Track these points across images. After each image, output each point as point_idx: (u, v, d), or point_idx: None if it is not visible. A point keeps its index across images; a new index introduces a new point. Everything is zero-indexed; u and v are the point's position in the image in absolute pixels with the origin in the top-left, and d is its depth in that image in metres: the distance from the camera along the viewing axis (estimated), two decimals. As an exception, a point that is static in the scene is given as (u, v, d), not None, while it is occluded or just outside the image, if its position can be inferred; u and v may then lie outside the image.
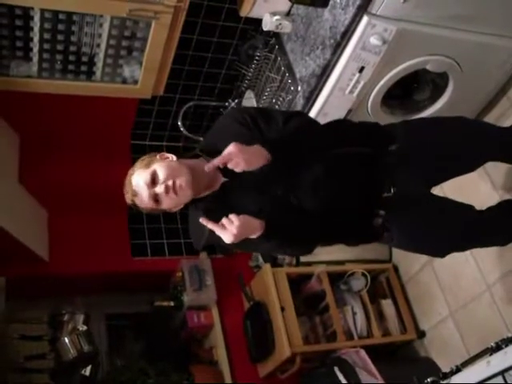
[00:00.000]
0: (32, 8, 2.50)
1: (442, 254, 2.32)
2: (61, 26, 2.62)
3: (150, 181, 1.77)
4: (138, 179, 1.80)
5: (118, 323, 3.57)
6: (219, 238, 1.77)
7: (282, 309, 3.26)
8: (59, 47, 2.71)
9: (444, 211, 2.17)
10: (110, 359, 3.38)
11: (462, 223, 2.18)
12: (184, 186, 1.77)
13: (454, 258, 3.18)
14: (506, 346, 1.36)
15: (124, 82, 2.93)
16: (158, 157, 1.85)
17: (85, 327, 2.98)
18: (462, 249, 2.45)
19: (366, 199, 2.00)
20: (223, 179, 1.89)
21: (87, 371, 2.93)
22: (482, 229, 2.24)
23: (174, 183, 1.76)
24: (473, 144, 2.14)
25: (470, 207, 2.22)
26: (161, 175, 1.77)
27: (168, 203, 1.81)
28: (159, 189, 1.77)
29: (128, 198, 1.84)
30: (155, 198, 1.79)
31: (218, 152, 1.74)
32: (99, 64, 2.83)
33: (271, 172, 1.80)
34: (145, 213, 1.90)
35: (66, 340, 2.90)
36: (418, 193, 2.12)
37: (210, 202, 1.90)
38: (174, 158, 1.86)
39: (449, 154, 2.07)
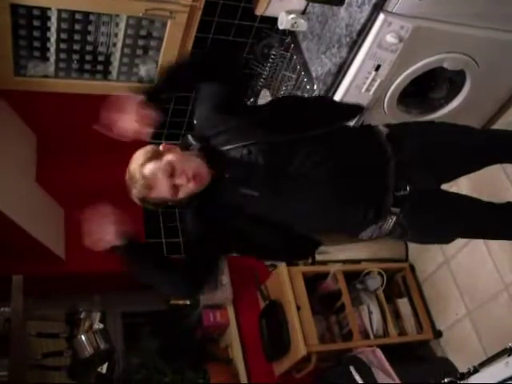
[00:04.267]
0: (49, 8, 2.53)
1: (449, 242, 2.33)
2: (77, 26, 2.64)
3: (169, 172, 1.76)
4: (155, 171, 1.76)
5: (134, 321, 3.59)
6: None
7: (298, 308, 3.26)
8: (76, 47, 2.73)
9: (457, 206, 2.16)
10: (126, 357, 3.39)
11: (476, 218, 2.17)
12: (203, 172, 1.79)
13: (472, 257, 3.19)
14: (525, 346, 1.35)
15: (140, 81, 2.94)
16: (161, 147, 1.83)
17: (101, 325, 2.99)
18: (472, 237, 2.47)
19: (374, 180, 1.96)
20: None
21: (104, 369, 2.95)
22: (495, 224, 2.23)
23: (193, 172, 1.77)
24: (482, 146, 2.15)
25: (483, 202, 2.22)
26: (178, 166, 1.77)
27: (186, 192, 1.80)
28: (180, 179, 1.76)
29: (138, 193, 1.80)
30: (175, 189, 1.78)
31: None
32: (115, 63, 2.85)
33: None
34: (151, 208, 1.91)
35: (83, 338, 2.92)
36: (431, 189, 2.11)
37: (202, 199, 1.87)
38: (178, 149, 1.85)
39: (459, 153, 2.07)
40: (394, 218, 1.97)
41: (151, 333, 3.58)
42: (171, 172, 1.76)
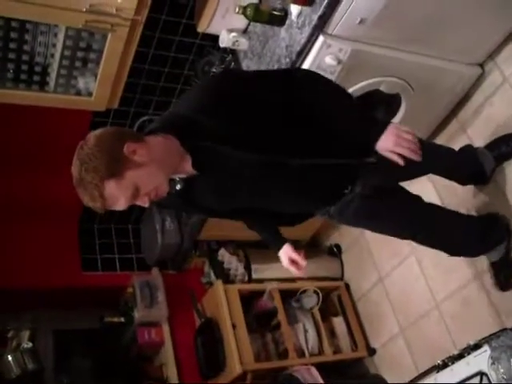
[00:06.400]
0: (-17, 15, 2.45)
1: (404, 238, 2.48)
2: (13, 34, 2.56)
3: (133, 195, 1.61)
4: (118, 195, 1.59)
5: (67, 339, 3.49)
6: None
7: (234, 326, 3.24)
8: (11, 56, 2.65)
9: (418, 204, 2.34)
10: (57, 377, 3.29)
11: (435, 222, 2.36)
12: (164, 192, 1.69)
13: (405, 276, 3.26)
14: (452, 363, 1.38)
15: (78, 93, 2.88)
16: (125, 151, 1.58)
17: (30, 344, 2.90)
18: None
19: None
20: (191, 171, 1.75)
21: (31, 390, 2.85)
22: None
23: (156, 193, 1.66)
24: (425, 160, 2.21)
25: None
26: (143, 187, 1.61)
27: (141, 204, 1.69)
28: (142, 201, 1.65)
29: (92, 206, 1.61)
30: (132, 204, 1.67)
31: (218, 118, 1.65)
32: (53, 74, 2.78)
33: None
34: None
35: (10, 358, 2.82)
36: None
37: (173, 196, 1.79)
38: (144, 152, 1.60)
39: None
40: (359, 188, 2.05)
41: (84, 351, 3.49)
42: (135, 193, 1.61)
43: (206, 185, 1.81)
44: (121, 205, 1.63)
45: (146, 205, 1.69)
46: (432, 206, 2.50)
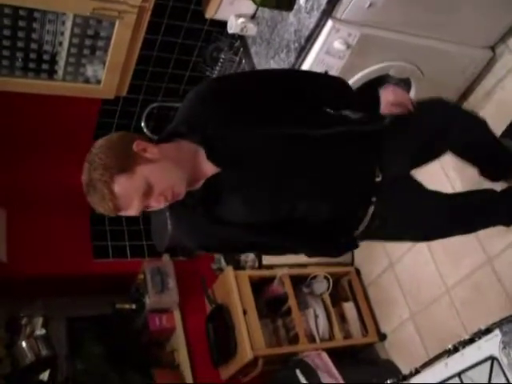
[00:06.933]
0: (-9, 3, 2.45)
1: (427, 238, 2.37)
2: (21, 23, 2.57)
3: (146, 191, 1.50)
4: (129, 191, 1.48)
5: (79, 326, 3.52)
6: (183, 240, 1.73)
7: (245, 312, 3.26)
8: (20, 44, 2.65)
9: (430, 198, 2.14)
10: (71, 363, 3.32)
11: (448, 209, 2.16)
12: (181, 192, 1.56)
13: (415, 261, 3.26)
14: (463, 347, 1.38)
15: (87, 81, 2.89)
16: (134, 147, 1.52)
17: (43, 331, 2.93)
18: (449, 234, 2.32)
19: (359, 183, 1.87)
20: (212, 171, 1.63)
21: (45, 376, 2.88)
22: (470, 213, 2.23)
23: (172, 194, 1.54)
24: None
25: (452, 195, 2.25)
26: (156, 184, 1.51)
27: (155, 207, 1.58)
28: (156, 203, 1.53)
29: (101, 210, 1.51)
30: (145, 208, 1.54)
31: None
32: (61, 63, 2.79)
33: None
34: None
35: (24, 344, 2.85)
36: (404, 178, 2.06)
37: (194, 201, 1.64)
38: (155, 150, 1.54)
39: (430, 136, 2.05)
40: (373, 208, 1.87)
41: (96, 338, 3.52)
42: (148, 191, 1.50)
43: (229, 185, 1.65)
44: (134, 206, 1.51)
45: (162, 205, 1.56)
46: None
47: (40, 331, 2.91)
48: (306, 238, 1.82)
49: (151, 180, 1.50)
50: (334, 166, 1.79)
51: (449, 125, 2.09)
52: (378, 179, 1.86)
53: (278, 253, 2.05)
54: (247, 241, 1.79)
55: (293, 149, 1.70)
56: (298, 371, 3.09)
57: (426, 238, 2.41)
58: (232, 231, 1.71)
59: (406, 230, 2.10)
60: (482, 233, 2.53)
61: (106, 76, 2.83)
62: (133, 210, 1.53)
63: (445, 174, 2.95)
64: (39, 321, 2.95)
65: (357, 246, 1.95)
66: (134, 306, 3.44)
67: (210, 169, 1.63)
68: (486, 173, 2.43)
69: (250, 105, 1.67)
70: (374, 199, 1.86)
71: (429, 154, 2.14)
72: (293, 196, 1.74)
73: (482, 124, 2.29)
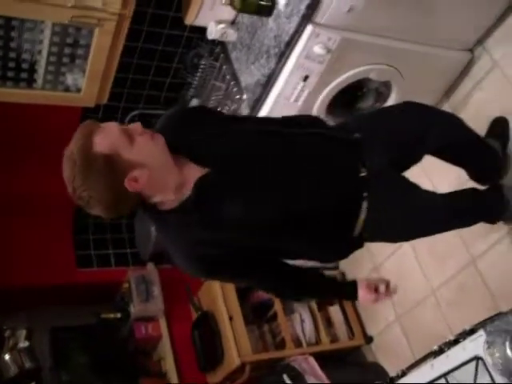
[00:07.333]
0: (-33, 12, 2.42)
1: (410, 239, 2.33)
2: (-1, 32, 2.55)
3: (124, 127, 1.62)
4: (110, 125, 1.63)
5: (64, 336, 3.49)
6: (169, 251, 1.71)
7: (230, 318, 3.25)
8: (-3, 53, 2.63)
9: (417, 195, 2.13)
10: (56, 374, 3.29)
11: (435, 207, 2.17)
12: (157, 135, 1.62)
13: (400, 263, 3.27)
14: (448, 348, 1.39)
15: (67, 89, 2.86)
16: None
17: (27, 343, 2.89)
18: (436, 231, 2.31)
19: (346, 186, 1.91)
20: (199, 174, 1.67)
21: (29, 389, 2.85)
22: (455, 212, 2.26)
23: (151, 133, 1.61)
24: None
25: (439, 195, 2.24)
26: (136, 129, 1.61)
27: (141, 149, 1.59)
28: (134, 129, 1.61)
29: (79, 144, 1.59)
30: (128, 134, 1.59)
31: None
32: (40, 71, 2.76)
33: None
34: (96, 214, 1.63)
35: (7, 357, 2.81)
36: (393, 173, 2.07)
37: (182, 214, 1.65)
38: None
39: (406, 139, 2.08)
40: (365, 204, 1.89)
41: (81, 348, 3.49)
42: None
43: (222, 183, 1.69)
44: (113, 127, 1.63)
45: (143, 141, 1.60)
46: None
47: (23, 343, 2.87)
48: (308, 240, 1.87)
49: (130, 127, 1.64)
50: (315, 163, 1.85)
51: (426, 129, 2.13)
52: (363, 174, 1.90)
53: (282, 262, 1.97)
54: (246, 246, 1.72)
55: (270, 145, 1.80)
56: (285, 376, 3.09)
57: (423, 233, 2.31)
58: (229, 235, 1.68)
59: (402, 225, 2.09)
60: (465, 233, 2.55)
61: (86, 84, 2.81)
62: (114, 131, 1.63)
63: (429, 179, 2.96)
64: (22, 333, 2.91)
65: (362, 245, 1.99)
66: (119, 315, 3.42)
67: (194, 171, 1.67)
68: (474, 175, 2.48)
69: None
70: (365, 194, 1.89)
71: (409, 159, 2.17)
72: (280, 194, 1.76)
73: (458, 123, 2.33)
